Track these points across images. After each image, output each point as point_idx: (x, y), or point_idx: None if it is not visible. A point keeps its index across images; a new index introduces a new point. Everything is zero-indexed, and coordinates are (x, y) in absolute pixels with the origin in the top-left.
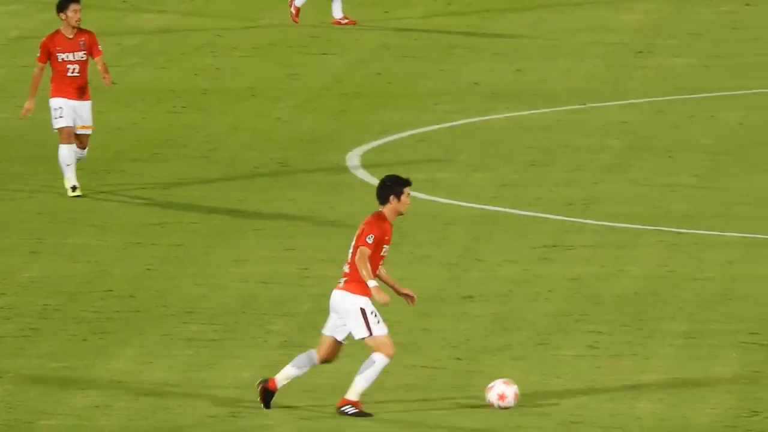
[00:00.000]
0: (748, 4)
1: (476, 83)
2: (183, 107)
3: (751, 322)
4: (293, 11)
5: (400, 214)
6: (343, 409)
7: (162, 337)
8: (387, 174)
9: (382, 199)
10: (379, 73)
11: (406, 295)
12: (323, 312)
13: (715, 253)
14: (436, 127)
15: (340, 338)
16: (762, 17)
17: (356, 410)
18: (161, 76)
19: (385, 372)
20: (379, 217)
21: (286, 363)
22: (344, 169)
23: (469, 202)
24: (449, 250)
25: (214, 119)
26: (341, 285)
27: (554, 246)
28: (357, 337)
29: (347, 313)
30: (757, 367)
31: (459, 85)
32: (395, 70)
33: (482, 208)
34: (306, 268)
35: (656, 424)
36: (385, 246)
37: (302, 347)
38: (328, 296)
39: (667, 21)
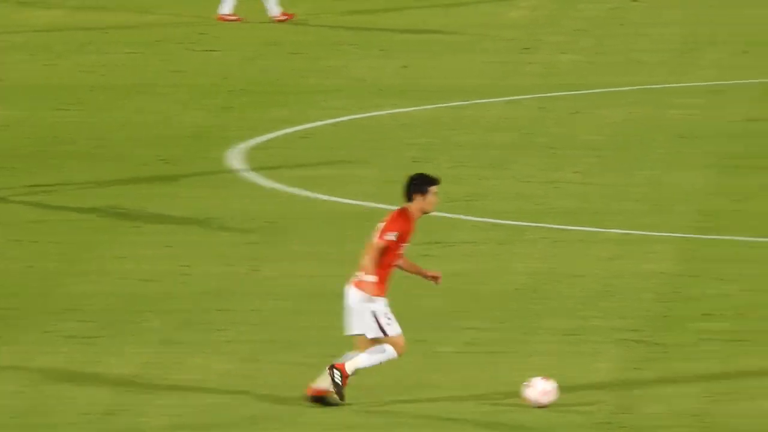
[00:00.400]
0: (633, 0)
1: (362, 79)
2: (69, 104)
3: (631, 319)
4: (279, 14)
5: (426, 212)
6: (334, 372)
7: (42, 334)
8: (416, 172)
9: (408, 196)
10: (266, 70)
11: (433, 277)
12: (203, 310)
13: (597, 250)
14: (322, 123)
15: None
16: (647, 13)
17: (340, 383)
18: (48, 73)
19: (259, 369)
20: (404, 213)
21: (166, 361)
22: (229, 167)
23: (353, 199)
24: (330, 246)
25: (101, 116)
26: (356, 281)
27: (436, 242)
28: (370, 336)
29: (360, 314)
30: (636, 364)
31: (345, 82)
32: (281, 66)
33: (365, 205)
34: (187, 266)
35: (534, 421)
36: (403, 244)
37: (181, 344)
38: (209, 294)
39: (552, 17)
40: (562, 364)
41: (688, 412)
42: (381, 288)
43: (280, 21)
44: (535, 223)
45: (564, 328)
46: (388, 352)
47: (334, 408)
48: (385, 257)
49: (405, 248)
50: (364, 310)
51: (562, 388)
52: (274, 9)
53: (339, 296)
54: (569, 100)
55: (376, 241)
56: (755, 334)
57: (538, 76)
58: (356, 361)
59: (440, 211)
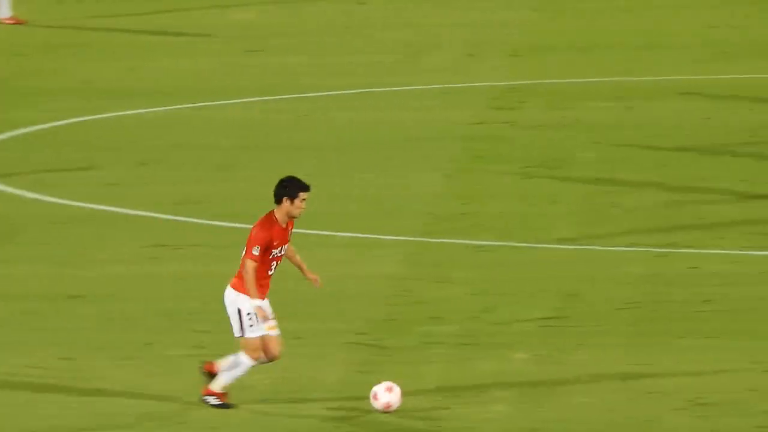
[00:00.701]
0: (360, 3)
1: (89, 81)
2: None
3: (359, 322)
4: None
5: (293, 217)
6: (205, 398)
7: None
8: (288, 175)
9: (276, 198)
10: None
11: (313, 279)
12: None
13: (324, 253)
14: (49, 125)
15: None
16: (373, 17)
17: (219, 402)
18: None
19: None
20: (268, 220)
21: None
22: None
23: (79, 202)
24: (58, 249)
25: None
26: (231, 281)
27: (163, 245)
28: (235, 334)
29: (229, 310)
30: (363, 367)
31: (71, 83)
32: (6, 68)
33: (92, 208)
34: None
35: (259, 424)
36: (274, 250)
37: None
38: None
39: (280, 19)
40: (290, 367)
41: (416, 414)
42: (256, 290)
43: (8, 23)
44: None
45: (292, 330)
46: (244, 363)
47: (67, 409)
48: (258, 264)
49: (281, 252)
50: (231, 306)
51: (291, 391)
52: (5, 11)
53: (69, 298)
54: (297, 102)
55: (246, 260)
56: (483, 338)
57: (263, 78)
58: (219, 382)
59: (167, 213)
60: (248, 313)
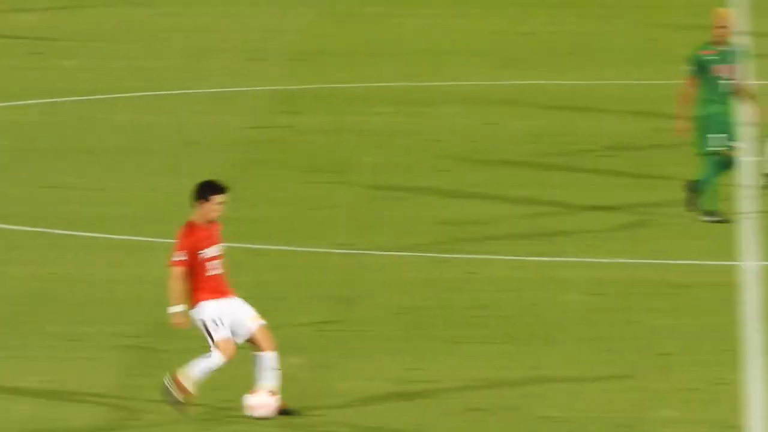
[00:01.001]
0: (142, 8)
1: None
2: None
3: (131, 325)
4: None
5: (209, 219)
6: (167, 383)
7: None
8: (207, 179)
9: (192, 201)
10: None
11: None
12: None
13: (99, 255)
14: None
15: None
16: (155, 21)
17: (177, 397)
18: None
19: None
20: (187, 225)
21: None
22: None
23: None
24: None
25: None
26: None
27: None
28: (210, 346)
29: (198, 326)
30: (134, 370)
31: None
32: None
33: None
34: None
35: (33, 426)
36: (205, 250)
37: None
38: None
39: (63, 22)
40: (62, 370)
41: (187, 423)
42: (202, 295)
43: None
44: (37, 228)
45: (64, 333)
46: (214, 359)
47: None
48: (194, 270)
49: (215, 253)
50: (198, 321)
51: (61, 395)
52: None
53: None
54: (76, 105)
55: (170, 268)
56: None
57: (44, 80)
58: (188, 374)
59: None
60: (212, 319)
